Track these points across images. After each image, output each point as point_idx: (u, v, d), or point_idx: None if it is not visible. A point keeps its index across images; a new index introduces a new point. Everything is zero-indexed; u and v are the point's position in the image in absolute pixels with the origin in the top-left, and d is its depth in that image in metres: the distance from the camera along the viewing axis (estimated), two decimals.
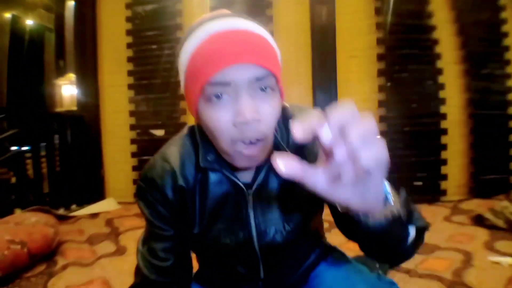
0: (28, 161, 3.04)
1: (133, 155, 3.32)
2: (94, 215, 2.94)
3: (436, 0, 3.02)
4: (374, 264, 1.40)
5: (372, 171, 0.37)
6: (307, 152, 0.68)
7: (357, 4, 3.09)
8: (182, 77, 0.63)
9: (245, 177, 0.70)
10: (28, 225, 1.96)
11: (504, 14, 3.09)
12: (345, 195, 0.41)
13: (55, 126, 3.23)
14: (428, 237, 1.94)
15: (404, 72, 3.03)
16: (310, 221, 0.75)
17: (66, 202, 3.13)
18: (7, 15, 5.85)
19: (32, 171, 2.98)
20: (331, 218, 0.67)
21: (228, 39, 0.56)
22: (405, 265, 1.68)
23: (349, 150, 0.34)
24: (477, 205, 2.70)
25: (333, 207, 0.58)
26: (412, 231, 0.57)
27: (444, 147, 3.03)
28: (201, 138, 0.68)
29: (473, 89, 3.03)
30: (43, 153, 3.08)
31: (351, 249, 0.87)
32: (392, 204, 0.49)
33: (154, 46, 3.26)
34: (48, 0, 5.51)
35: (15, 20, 5.93)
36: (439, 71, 3.01)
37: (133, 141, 3.34)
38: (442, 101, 3.02)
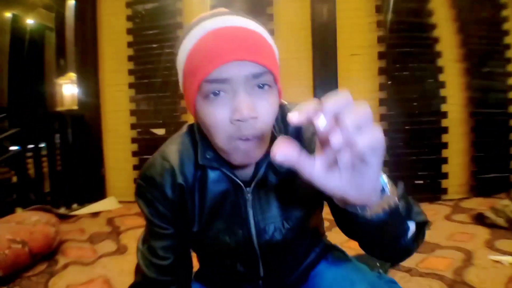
0: (29, 160, 3.04)
1: (134, 154, 3.33)
2: (95, 214, 2.94)
3: None
4: (374, 263, 1.40)
5: (368, 158, 0.37)
6: (304, 146, 0.68)
7: (358, 2, 3.08)
8: (180, 75, 0.63)
9: (244, 175, 0.70)
10: (29, 225, 1.96)
11: (504, 12, 3.08)
12: (342, 185, 0.41)
13: (56, 126, 3.24)
14: (428, 236, 1.94)
15: (404, 71, 3.02)
16: (309, 219, 0.75)
17: (67, 201, 3.14)
18: (8, 15, 5.86)
19: (33, 170, 2.98)
20: (331, 217, 0.67)
21: (225, 36, 0.56)
22: (406, 264, 1.69)
23: (345, 136, 0.34)
24: (478, 204, 2.71)
25: (332, 204, 0.58)
26: (412, 226, 0.57)
27: (444, 145, 3.02)
28: (200, 136, 0.69)
29: (474, 88, 3.02)
30: (44, 152, 3.08)
31: (352, 247, 0.87)
32: (390, 195, 0.49)
33: (154, 45, 3.25)
34: (49, 0, 5.51)
35: (15, 20, 5.94)
36: (440, 70, 3.00)
37: (133, 140, 3.34)
38: (443, 100, 3.01)
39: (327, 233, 0.91)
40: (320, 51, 3.09)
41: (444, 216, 2.53)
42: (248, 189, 0.69)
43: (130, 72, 3.32)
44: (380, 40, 3.03)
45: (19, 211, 2.62)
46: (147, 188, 0.70)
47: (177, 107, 3.23)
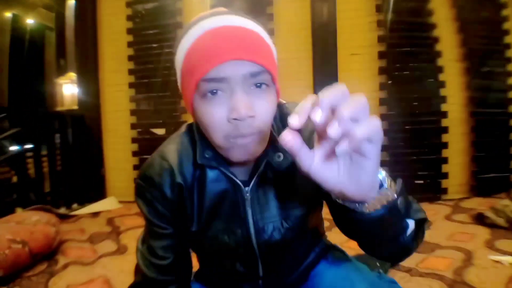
0: (29, 160, 3.04)
1: (134, 154, 3.33)
2: (95, 214, 2.95)
3: None
4: (375, 263, 1.40)
5: (366, 149, 0.38)
6: None
7: (358, 2, 3.08)
8: (178, 74, 0.63)
9: (243, 174, 0.70)
10: (29, 224, 1.96)
11: (505, 12, 3.08)
12: (340, 179, 0.42)
13: (56, 125, 3.24)
14: (428, 236, 1.93)
15: (405, 70, 3.02)
16: (308, 219, 0.75)
17: (67, 201, 3.14)
18: (8, 15, 5.86)
19: (33, 170, 2.98)
20: (331, 217, 0.67)
21: (222, 35, 0.56)
22: (406, 264, 1.69)
23: (342, 126, 0.35)
24: (478, 204, 2.70)
25: (331, 203, 0.58)
26: (411, 223, 0.57)
27: (445, 145, 3.02)
28: (199, 135, 0.68)
29: (474, 87, 3.02)
30: (44, 152, 3.08)
31: (352, 247, 0.87)
32: (388, 190, 0.49)
33: (154, 45, 3.25)
34: None
35: (15, 20, 5.94)
36: (440, 69, 3.00)
37: (134, 140, 3.34)
38: (443, 99, 3.01)
39: (327, 233, 0.91)
40: (320, 51, 3.09)
41: (444, 216, 2.53)
42: (247, 188, 0.69)
43: (130, 72, 3.32)
44: (380, 39, 3.03)
45: (19, 211, 2.62)
46: (146, 188, 0.70)
47: (177, 107, 3.23)
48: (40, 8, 5.92)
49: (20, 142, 2.98)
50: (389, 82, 3.02)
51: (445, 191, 3.02)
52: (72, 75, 4.65)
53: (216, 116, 0.56)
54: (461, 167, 3.06)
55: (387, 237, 0.56)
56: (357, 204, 0.48)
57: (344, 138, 0.35)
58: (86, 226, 2.60)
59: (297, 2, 3.15)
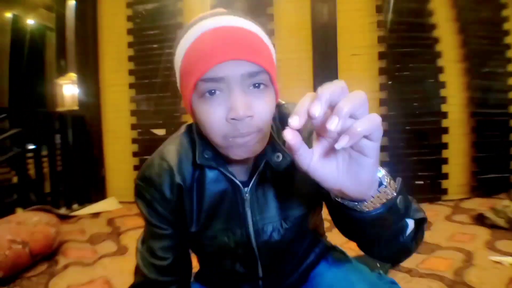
0: (30, 160, 3.04)
1: (134, 154, 3.33)
2: (95, 215, 2.95)
3: None
4: (375, 264, 1.40)
5: (365, 146, 0.37)
6: None
7: (358, 2, 3.08)
8: (177, 74, 0.63)
9: (242, 175, 0.70)
10: (30, 225, 1.96)
11: (505, 12, 3.09)
12: (339, 177, 0.42)
13: (56, 126, 3.24)
14: (429, 237, 1.93)
15: (405, 71, 3.02)
16: (308, 220, 0.75)
17: (67, 202, 3.14)
18: (8, 15, 5.87)
19: (34, 170, 2.98)
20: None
21: (221, 35, 0.56)
22: (406, 264, 1.69)
23: (342, 121, 0.35)
24: (478, 204, 2.71)
25: (330, 203, 0.58)
26: (410, 223, 0.57)
27: (445, 146, 3.02)
28: (199, 135, 0.68)
29: (474, 88, 3.02)
30: (44, 152, 3.08)
31: (352, 248, 0.87)
32: (387, 188, 0.48)
33: (155, 45, 3.26)
34: (49, 0, 5.51)
35: (16, 20, 5.94)
36: (440, 70, 3.00)
37: (134, 141, 3.34)
38: (443, 100, 3.01)
39: (327, 234, 0.91)
40: (321, 51, 3.09)
41: (445, 216, 2.53)
42: (246, 188, 0.69)
43: (131, 72, 3.33)
44: (380, 40, 3.03)
45: (19, 211, 2.62)
46: (145, 189, 0.70)
47: (177, 107, 3.23)
48: (40, 9, 5.92)
49: (21, 143, 2.98)
50: (389, 82, 3.02)
51: (445, 191, 3.02)
52: (73, 75, 4.65)
53: (215, 116, 0.56)
54: (461, 167, 3.06)
55: (386, 236, 0.56)
56: (356, 203, 0.48)
57: (343, 134, 0.36)
58: (87, 227, 2.60)
59: (297, 2, 3.15)
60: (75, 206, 3.17)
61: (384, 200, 0.48)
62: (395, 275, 1.62)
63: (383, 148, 2.95)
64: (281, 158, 0.67)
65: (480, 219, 2.29)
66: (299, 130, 0.39)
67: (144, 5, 3.30)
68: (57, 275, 1.81)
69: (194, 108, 0.60)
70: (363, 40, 3.08)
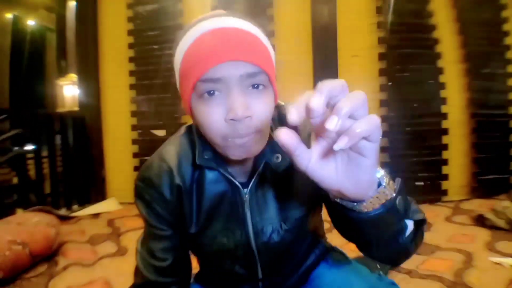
0: (30, 161, 3.04)
1: (135, 155, 3.33)
2: (96, 216, 2.95)
3: (437, 0, 3.02)
4: (375, 265, 1.40)
5: (363, 146, 0.38)
6: None
7: (358, 3, 3.09)
8: (177, 75, 0.63)
9: (242, 176, 0.70)
10: (30, 226, 1.96)
11: (505, 13, 3.09)
12: (338, 177, 0.42)
13: (56, 127, 3.24)
14: (429, 238, 1.93)
15: (405, 72, 3.02)
16: (308, 221, 0.75)
17: (67, 203, 3.14)
18: (9, 16, 5.87)
19: (34, 171, 2.98)
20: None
21: (220, 37, 0.56)
22: (406, 265, 1.68)
23: (341, 122, 0.35)
24: (478, 205, 2.70)
25: (329, 204, 0.58)
26: (410, 224, 0.57)
27: (445, 147, 3.02)
28: (198, 136, 0.68)
29: (474, 89, 3.02)
30: (44, 153, 3.08)
31: (352, 249, 0.87)
32: (386, 189, 0.48)
33: (155, 46, 3.26)
34: (50, 1, 5.53)
35: (16, 21, 5.95)
36: (440, 71, 3.00)
37: (134, 142, 3.34)
38: (443, 101, 3.01)
39: (327, 235, 0.91)
40: (321, 52, 3.09)
41: (445, 217, 2.53)
42: (245, 190, 0.69)
43: (131, 73, 3.33)
44: (380, 41, 3.03)
45: (19, 212, 2.62)
46: (145, 189, 0.70)
47: (177, 108, 3.22)
48: (41, 10, 5.94)
49: (21, 143, 2.98)
50: (390, 83, 3.02)
51: (445, 192, 3.02)
52: (73, 76, 4.67)
53: (214, 116, 0.56)
54: (462, 168, 3.06)
55: (385, 237, 0.56)
56: (355, 203, 0.48)
57: (342, 135, 0.36)
58: (87, 228, 2.60)
59: (297, 3, 3.15)
60: (75, 207, 3.16)
61: (383, 201, 0.48)
62: (395, 276, 1.62)
63: (383, 149, 2.96)
64: (280, 159, 0.67)
65: (480, 220, 2.29)
66: (297, 131, 0.39)
67: (145, 6, 3.30)
68: (57, 275, 1.81)
69: (193, 109, 0.60)
70: (363, 41, 3.08)
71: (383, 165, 0.41)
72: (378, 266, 1.44)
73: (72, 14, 3.82)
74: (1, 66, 5.69)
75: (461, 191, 3.03)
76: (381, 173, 0.48)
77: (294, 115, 0.37)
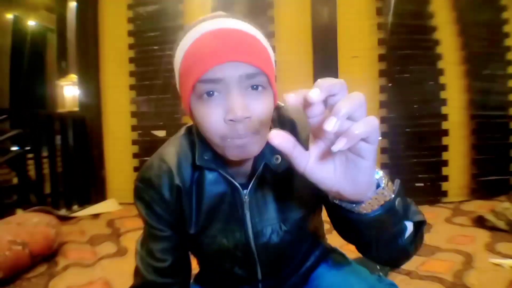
0: (30, 161, 3.05)
1: (135, 156, 3.33)
2: (96, 216, 2.95)
3: (437, 1, 3.02)
4: (375, 266, 1.40)
5: (362, 148, 0.38)
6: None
7: (359, 4, 3.09)
8: (176, 76, 0.64)
9: (241, 177, 0.70)
10: (30, 226, 1.96)
11: (505, 15, 3.09)
12: (337, 178, 0.42)
13: (57, 127, 3.24)
14: (428, 239, 1.92)
15: (405, 73, 3.02)
16: (307, 222, 0.75)
17: (67, 203, 3.14)
18: (9, 16, 5.88)
19: (34, 171, 2.98)
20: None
21: (219, 37, 0.57)
22: (406, 267, 1.68)
23: (339, 123, 0.35)
24: (478, 207, 2.70)
25: (328, 206, 0.58)
26: (409, 226, 0.57)
27: (445, 148, 3.02)
28: (198, 137, 0.69)
29: (474, 90, 3.02)
30: (45, 153, 3.08)
31: (352, 250, 0.87)
32: (385, 190, 0.48)
33: (155, 47, 3.26)
34: (50, 1, 5.53)
35: (17, 21, 5.96)
36: (440, 72, 3.00)
37: (134, 142, 3.34)
38: (443, 102, 3.01)
39: (327, 236, 0.91)
40: (321, 54, 3.09)
41: (444, 218, 2.53)
42: (245, 191, 0.69)
43: (131, 74, 3.33)
44: (380, 42, 3.03)
45: (19, 212, 2.62)
46: (144, 190, 0.70)
47: (178, 109, 3.22)
48: (41, 10, 5.94)
49: (21, 144, 2.98)
50: (390, 84, 3.02)
51: (445, 193, 3.02)
52: (73, 77, 4.67)
53: (213, 117, 0.57)
54: (462, 169, 3.06)
55: (384, 239, 0.56)
56: (354, 205, 0.48)
57: (341, 137, 0.36)
58: (86, 228, 2.60)
59: (297, 4, 3.16)
60: (75, 207, 3.16)
61: (382, 202, 0.48)
62: (395, 277, 1.62)
63: (383, 150, 2.95)
64: (280, 160, 0.67)
65: (480, 221, 2.29)
66: (296, 134, 0.39)
67: (145, 7, 3.30)
68: (57, 276, 1.81)
69: (192, 109, 0.60)
70: (363, 42, 3.08)
71: (383, 166, 0.40)
72: (378, 267, 1.44)
73: (73, 14, 3.82)
74: (1, 66, 5.69)
75: (461, 192, 3.03)
76: (380, 174, 0.48)
77: (291, 98, 0.37)
